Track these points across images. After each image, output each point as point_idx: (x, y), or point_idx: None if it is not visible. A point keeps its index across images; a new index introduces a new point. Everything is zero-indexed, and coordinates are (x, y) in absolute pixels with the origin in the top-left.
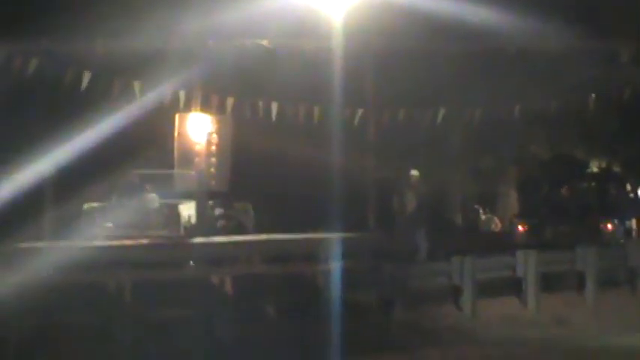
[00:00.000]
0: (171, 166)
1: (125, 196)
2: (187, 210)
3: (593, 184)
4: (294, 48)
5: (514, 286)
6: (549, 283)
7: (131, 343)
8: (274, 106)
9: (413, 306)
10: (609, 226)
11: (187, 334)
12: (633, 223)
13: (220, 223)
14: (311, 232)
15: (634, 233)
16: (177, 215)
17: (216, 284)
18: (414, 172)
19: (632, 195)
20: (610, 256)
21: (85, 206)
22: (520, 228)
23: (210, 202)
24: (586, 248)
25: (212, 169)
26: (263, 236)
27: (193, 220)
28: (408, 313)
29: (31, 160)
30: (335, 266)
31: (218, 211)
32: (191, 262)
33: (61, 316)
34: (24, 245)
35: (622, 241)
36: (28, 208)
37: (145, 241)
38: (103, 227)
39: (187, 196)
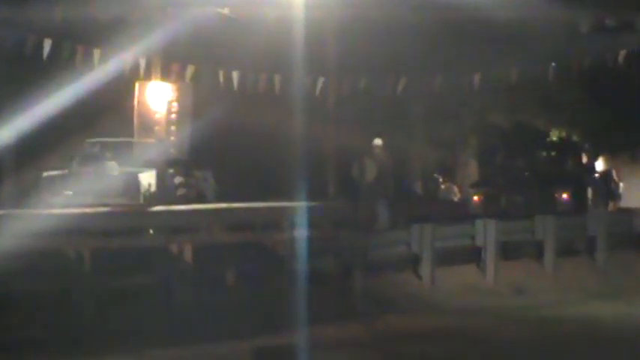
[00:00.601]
0: (131, 135)
1: (85, 164)
2: (147, 179)
3: (552, 153)
4: (255, 16)
5: (473, 255)
6: (509, 251)
7: (91, 310)
8: (235, 75)
9: (373, 274)
10: (565, 195)
11: (147, 302)
12: (589, 192)
13: (180, 191)
14: (272, 201)
15: (590, 203)
16: (137, 183)
17: (176, 253)
18: (378, 141)
19: (589, 165)
20: (569, 225)
21: (44, 174)
22: (475, 198)
23: (170, 171)
24: (545, 217)
25: (172, 138)
26: (223, 205)
27: (153, 188)
28: (368, 282)
29: None
30: (296, 235)
31: (178, 180)
32: (151, 231)
33: (21, 283)
34: None
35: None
36: None
37: (104, 209)
38: (62, 195)
39: (147, 164)
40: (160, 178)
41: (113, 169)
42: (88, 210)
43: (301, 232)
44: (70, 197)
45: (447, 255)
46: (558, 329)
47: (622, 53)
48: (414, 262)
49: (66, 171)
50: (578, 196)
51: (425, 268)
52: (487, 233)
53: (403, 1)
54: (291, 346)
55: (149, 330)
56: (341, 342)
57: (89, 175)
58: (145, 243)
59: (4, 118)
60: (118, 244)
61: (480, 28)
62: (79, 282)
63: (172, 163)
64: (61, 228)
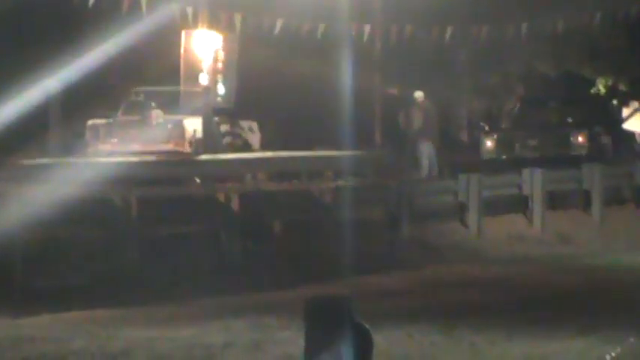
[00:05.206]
0: (178, 84)
1: (130, 113)
2: (192, 125)
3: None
4: None
5: (520, 204)
6: (556, 200)
7: (137, 258)
8: (280, 23)
9: (419, 223)
10: (580, 139)
11: (194, 251)
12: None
13: (226, 140)
14: (318, 150)
15: (610, 148)
16: (182, 130)
17: (223, 201)
18: (419, 94)
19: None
20: (616, 174)
21: (90, 122)
22: (489, 143)
23: (216, 119)
24: (592, 166)
25: (218, 87)
26: (269, 153)
27: (198, 134)
28: (414, 231)
29: (37, 76)
30: (342, 184)
31: (224, 128)
32: (197, 180)
33: (67, 231)
34: (29, 161)
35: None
36: (34, 125)
37: (151, 158)
38: (107, 143)
39: (193, 112)
40: (206, 126)
41: (158, 117)
42: (135, 159)
43: (347, 181)
44: (115, 145)
45: (493, 204)
46: (605, 277)
47: None
48: (461, 211)
49: (111, 119)
50: (595, 141)
51: (471, 217)
52: (534, 182)
53: None
54: (338, 294)
55: (195, 278)
56: (387, 290)
57: (134, 123)
58: (192, 192)
59: (50, 68)
60: (164, 193)
61: None
62: (125, 230)
63: (218, 111)
64: (107, 176)
